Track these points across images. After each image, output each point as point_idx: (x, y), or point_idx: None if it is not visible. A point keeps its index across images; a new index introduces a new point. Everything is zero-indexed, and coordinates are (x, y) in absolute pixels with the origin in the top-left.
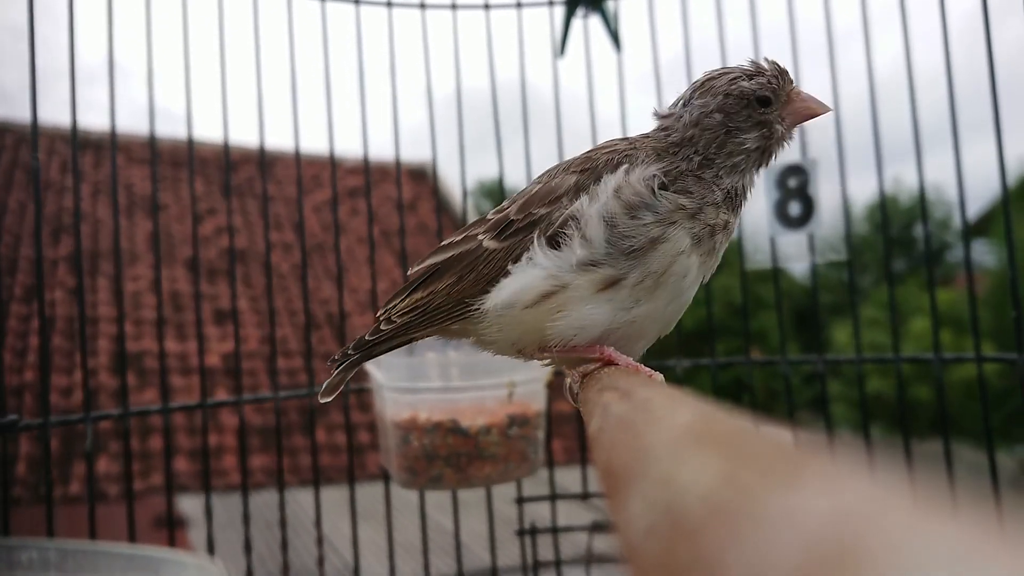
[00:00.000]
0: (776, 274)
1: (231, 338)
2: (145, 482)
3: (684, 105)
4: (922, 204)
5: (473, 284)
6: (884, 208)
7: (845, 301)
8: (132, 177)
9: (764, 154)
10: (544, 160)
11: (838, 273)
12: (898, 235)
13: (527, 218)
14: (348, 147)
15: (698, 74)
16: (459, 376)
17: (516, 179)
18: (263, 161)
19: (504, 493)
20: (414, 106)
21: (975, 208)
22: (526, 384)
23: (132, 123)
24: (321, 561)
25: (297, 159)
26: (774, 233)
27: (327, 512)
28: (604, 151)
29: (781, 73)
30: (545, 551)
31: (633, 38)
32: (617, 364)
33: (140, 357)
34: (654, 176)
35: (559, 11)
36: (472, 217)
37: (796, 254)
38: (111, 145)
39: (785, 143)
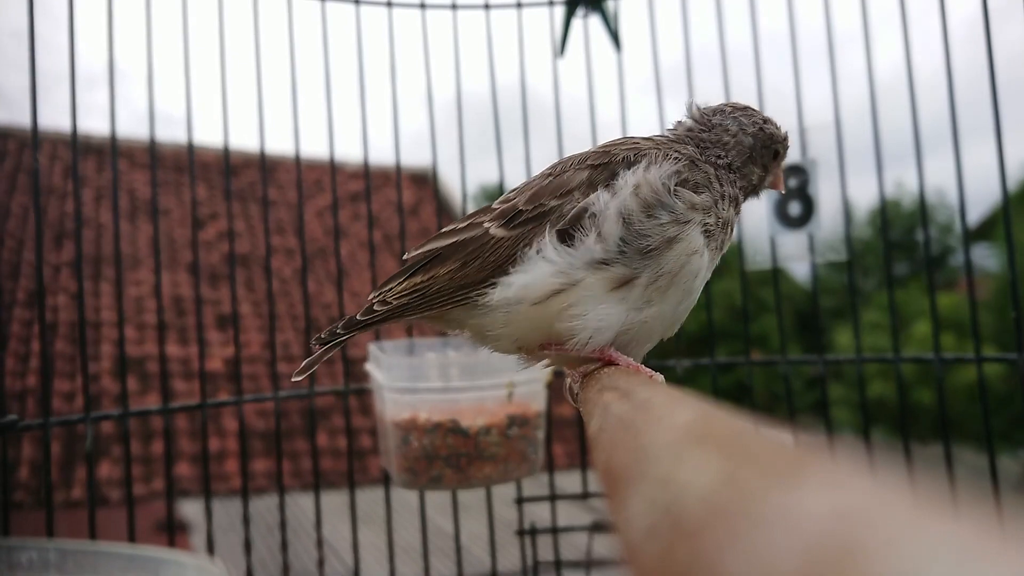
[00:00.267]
0: (776, 274)
1: (233, 342)
2: (147, 487)
3: (721, 114)
4: (922, 207)
5: (478, 271)
6: (884, 211)
7: (847, 304)
8: (134, 182)
9: (752, 192)
10: (544, 163)
11: (840, 276)
12: (901, 239)
13: (537, 208)
14: (349, 151)
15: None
16: (459, 376)
17: (517, 182)
18: (264, 165)
19: (504, 495)
20: (415, 110)
21: (978, 212)
22: (526, 384)
23: (133, 127)
24: (321, 563)
25: (298, 163)
26: (774, 233)
27: (328, 516)
28: (623, 147)
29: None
30: (545, 552)
31: (633, 38)
32: (617, 364)
33: (143, 362)
34: (672, 175)
35: (559, 11)
36: None
37: (796, 254)
38: (112, 150)
39: (758, 196)
